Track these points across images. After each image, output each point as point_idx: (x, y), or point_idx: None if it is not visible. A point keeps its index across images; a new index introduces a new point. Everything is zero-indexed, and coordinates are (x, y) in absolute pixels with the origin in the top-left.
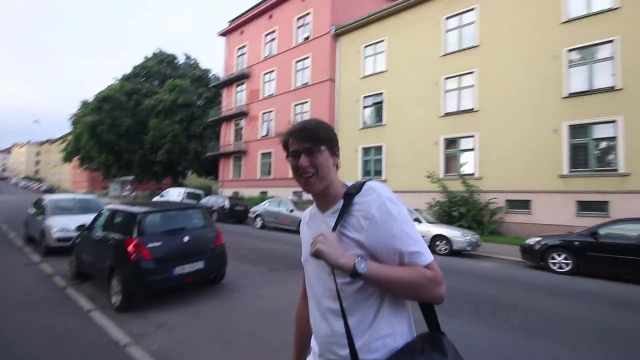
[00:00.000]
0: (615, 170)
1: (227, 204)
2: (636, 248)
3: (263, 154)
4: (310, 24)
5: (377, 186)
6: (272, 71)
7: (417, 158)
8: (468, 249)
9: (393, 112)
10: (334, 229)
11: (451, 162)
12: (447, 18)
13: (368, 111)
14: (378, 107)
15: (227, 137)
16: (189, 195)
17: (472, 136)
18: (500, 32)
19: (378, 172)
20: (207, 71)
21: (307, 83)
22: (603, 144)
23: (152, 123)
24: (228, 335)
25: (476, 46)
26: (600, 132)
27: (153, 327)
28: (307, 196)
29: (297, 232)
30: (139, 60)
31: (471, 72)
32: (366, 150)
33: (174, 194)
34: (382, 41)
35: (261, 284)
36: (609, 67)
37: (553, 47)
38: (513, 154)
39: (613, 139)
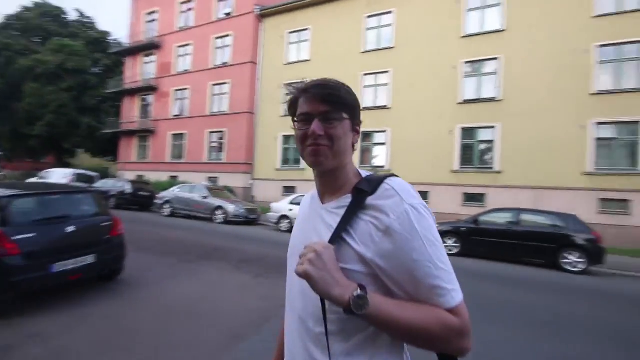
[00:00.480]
0: (492, 168)
1: (128, 188)
2: (505, 233)
3: (175, 135)
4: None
5: (401, 187)
6: (187, 45)
7: None
8: None
9: None
10: (335, 235)
11: (365, 154)
12: (368, 17)
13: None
14: None
15: (131, 112)
16: (80, 178)
17: (384, 131)
18: (413, 38)
19: (297, 161)
20: (105, 34)
21: (227, 63)
22: (484, 146)
23: (28, 88)
24: (126, 340)
25: (392, 47)
26: (483, 135)
27: (23, 337)
28: (224, 182)
29: (210, 219)
30: (12, 8)
31: (387, 72)
32: (286, 138)
33: (58, 176)
34: (306, 30)
35: (167, 278)
36: (493, 80)
37: (453, 58)
38: (418, 151)
39: (491, 142)
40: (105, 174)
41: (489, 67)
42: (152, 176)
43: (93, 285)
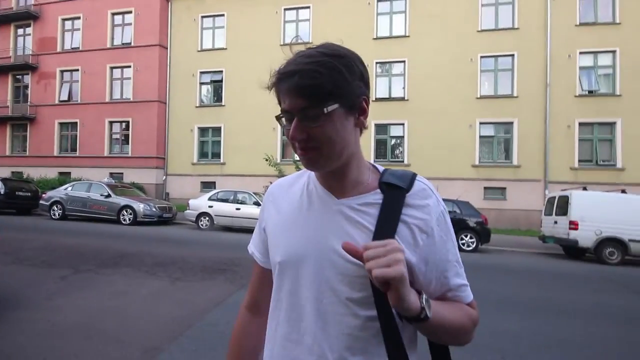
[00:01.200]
0: (402, 161)
1: (1, 187)
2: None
3: (63, 124)
4: None
5: (432, 186)
6: (76, 18)
7: (256, 142)
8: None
9: (233, 93)
10: (377, 236)
11: (287, 147)
12: (286, 9)
13: (206, 88)
14: (217, 85)
15: (1, 95)
16: None
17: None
18: (329, 35)
19: (216, 155)
20: None
21: (129, 44)
22: (393, 141)
23: None
24: None
25: (309, 43)
26: (394, 131)
27: None
28: (130, 178)
29: (116, 221)
30: None
31: None
32: (203, 131)
33: None
34: (222, 15)
35: (58, 293)
36: (400, 81)
37: (367, 58)
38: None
39: (402, 137)
40: None
41: (396, 68)
42: (35, 172)
43: None
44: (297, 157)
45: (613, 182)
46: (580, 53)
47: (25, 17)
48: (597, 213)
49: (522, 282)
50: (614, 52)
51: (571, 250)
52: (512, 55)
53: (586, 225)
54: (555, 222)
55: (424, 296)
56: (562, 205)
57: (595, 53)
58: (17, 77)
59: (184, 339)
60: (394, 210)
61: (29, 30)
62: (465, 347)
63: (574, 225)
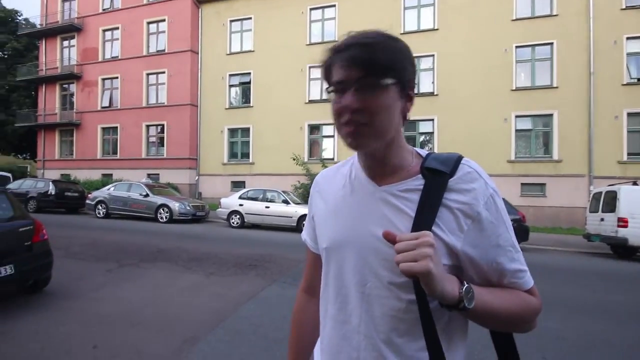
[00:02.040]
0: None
1: (52, 189)
2: None
3: (105, 129)
4: None
5: (480, 169)
6: (115, 28)
7: (284, 141)
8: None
9: (261, 94)
10: (417, 222)
11: (314, 147)
12: (312, 9)
13: (235, 90)
14: (245, 87)
15: (50, 104)
16: None
17: (332, 124)
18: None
19: (245, 155)
20: (13, 12)
21: (163, 50)
22: (421, 137)
23: None
24: (57, 355)
25: (336, 41)
26: (422, 127)
27: None
28: (166, 179)
29: (154, 219)
30: None
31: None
32: (232, 132)
33: None
34: (249, 18)
35: (105, 285)
36: (429, 76)
37: None
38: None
39: (431, 133)
40: (22, 174)
41: (425, 63)
42: (81, 175)
43: (14, 299)
44: (324, 155)
45: None
46: (628, 38)
47: (70, 30)
48: None
49: (565, 281)
50: None
51: (620, 249)
52: (551, 44)
53: (636, 223)
54: (602, 220)
55: (465, 286)
56: (609, 202)
57: None
58: (64, 86)
59: (220, 329)
60: (435, 196)
61: (73, 42)
62: None
63: (623, 222)
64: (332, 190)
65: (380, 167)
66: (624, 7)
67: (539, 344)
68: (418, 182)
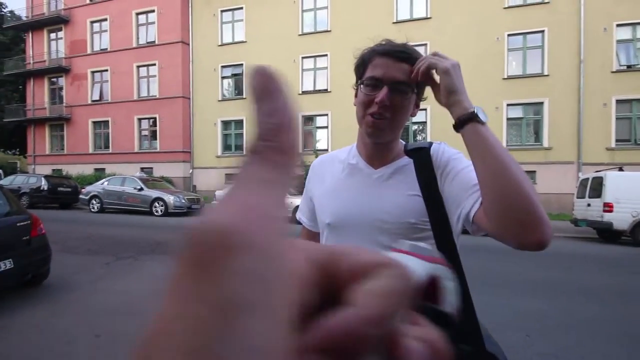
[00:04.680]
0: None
1: (45, 184)
2: None
3: (96, 123)
4: None
5: (447, 145)
6: (103, 20)
7: None
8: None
9: None
10: (424, 186)
11: (308, 138)
12: None
13: (227, 82)
14: (238, 78)
15: (39, 98)
16: None
17: (326, 115)
18: (347, 21)
19: (239, 147)
20: None
21: (153, 42)
22: (415, 127)
23: None
24: (60, 345)
25: (328, 31)
26: (415, 117)
27: None
28: (159, 172)
29: (149, 212)
30: None
31: (325, 55)
32: (226, 124)
33: None
34: (240, 8)
35: (104, 277)
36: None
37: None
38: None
39: (424, 123)
40: (12, 170)
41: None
42: (73, 170)
43: (14, 292)
44: (318, 147)
45: None
46: (618, 25)
47: (57, 22)
48: (634, 194)
49: (551, 264)
50: None
51: (605, 233)
52: (542, 32)
53: (622, 207)
54: (589, 205)
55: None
56: (595, 187)
57: (634, 25)
58: (53, 79)
59: None
60: (426, 166)
61: (60, 34)
62: (489, 324)
63: (608, 207)
64: (330, 174)
65: (380, 155)
66: None
67: (524, 323)
68: (406, 160)
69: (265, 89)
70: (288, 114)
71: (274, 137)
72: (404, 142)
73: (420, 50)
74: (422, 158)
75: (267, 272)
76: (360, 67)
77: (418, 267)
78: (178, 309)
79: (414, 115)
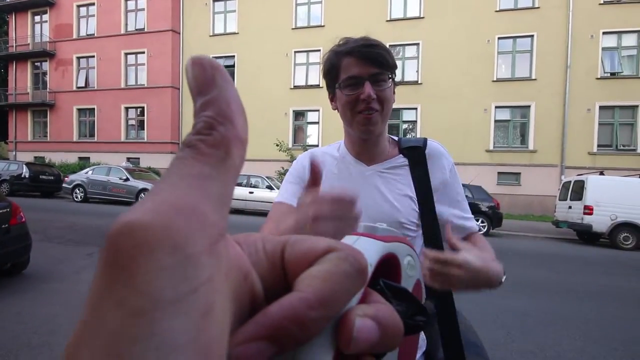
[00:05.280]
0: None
1: (26, 171)
2: None
3: (80, 110)
4: None
5: (441, 145)
6: (91, 4)
7: (268, 127)
8: None
9: (245, 79)
10: (419, 188)
11: (299, 132)
12: None
13: None
14: (229, 70)
15: (22, 82)
16: None
17: (317, 110)
18: (341, 17)
19: None
20: None
21: (142, 29)
22: (406, 125)
23: None
24: (39, 336)
25: (322, 26)
26: (407, 115)
27: None
28: (146, 163)
29: (134, 203)
30: None
31: (318, 50)
32: None
33: None
34: None
35: (87, 268)
36: (414, 65)
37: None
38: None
39: (414, 122)
40: None
41: (409, 51)
42: (56, 157)
43: None
44: (309, 142)
45: (633, 167)
46: (604, 33)
47: (42, 4)
48: (613, 198)
49: (532, 264)
50: (639, 32)
51: (585, 235)
52: (532, 36)
53: (601, 210)
54: (570, 207)
55: (503, 276)
56: (577, 190)
57: (619, 33)
58: (36, 64)
59: None
60: (421, 167)
61: (45, 17)
62: (472, 322)
63: (588, 210)
64: (324, 170)
65: (369, 151)
66: (602, 2)
67: (505, 321)
68: (401, 159)
69: (201, 80)
70: (224, 105)
71: (209, 130)
72: (394, 137)
73: (412, 49)
74: (417, 157)
75: (186, 269)
76: (332, 71)
77: (372, 247)
78: (95, 315)
79: (394, 101)
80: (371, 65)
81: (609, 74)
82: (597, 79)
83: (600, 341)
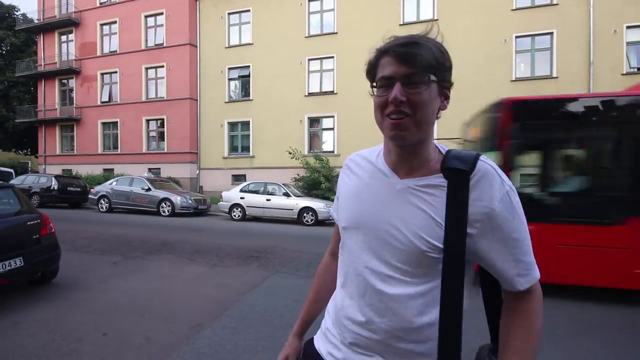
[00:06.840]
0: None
1: (55, 184)
2: None
3: (105, 124)
4: None
5: (497, 167)
6: (113, 22)
7: (284, 135)
8: (331, 217)
9: (260, 88)
10: (450, 221)
11: (314, 139)
12: (310, 1)
13: (234, 84)
14: (245, 80)
15: (50, 99)
16: None
17: (332, 116)
18: (354, 23)
19: (245, 148)
20: (10, 8)
21: (162, 44)
22: None
23: None
24: (68, 343)
25: (335, 33)
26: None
27: None
28: (167, 173)
29: (157, 213)
30: None
31: (331, 57)
32: (232, 125)
33: None
34: (247, 11)
35: (112, 276)
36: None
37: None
38: (365, 135)
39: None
40: (23, 170)
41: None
42: (82, 170)
43: (23, 290)
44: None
45: None
46: (628, 27)
47: (68, 25)
48: None
49: None
50: None
51: None
52: (551, 34)
53: None
54: None
55: None
56: None
57: None
58: (63, 81)
59: (225, 317)
60: (461, 197)
61: (71, 36)
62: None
63: None
64: (357, 175)
65: (406, 161)
66: None
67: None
68: (439, 179)
69: None
70: None
71: None
72: (445, 149)
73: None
74: (459, 182)
75: None
76: (371, 71)
77: None
78: None
79: (444, 108)
80: (404, 65)
81: (635, 69)
82: (623, 74)
83: (585, 342)
